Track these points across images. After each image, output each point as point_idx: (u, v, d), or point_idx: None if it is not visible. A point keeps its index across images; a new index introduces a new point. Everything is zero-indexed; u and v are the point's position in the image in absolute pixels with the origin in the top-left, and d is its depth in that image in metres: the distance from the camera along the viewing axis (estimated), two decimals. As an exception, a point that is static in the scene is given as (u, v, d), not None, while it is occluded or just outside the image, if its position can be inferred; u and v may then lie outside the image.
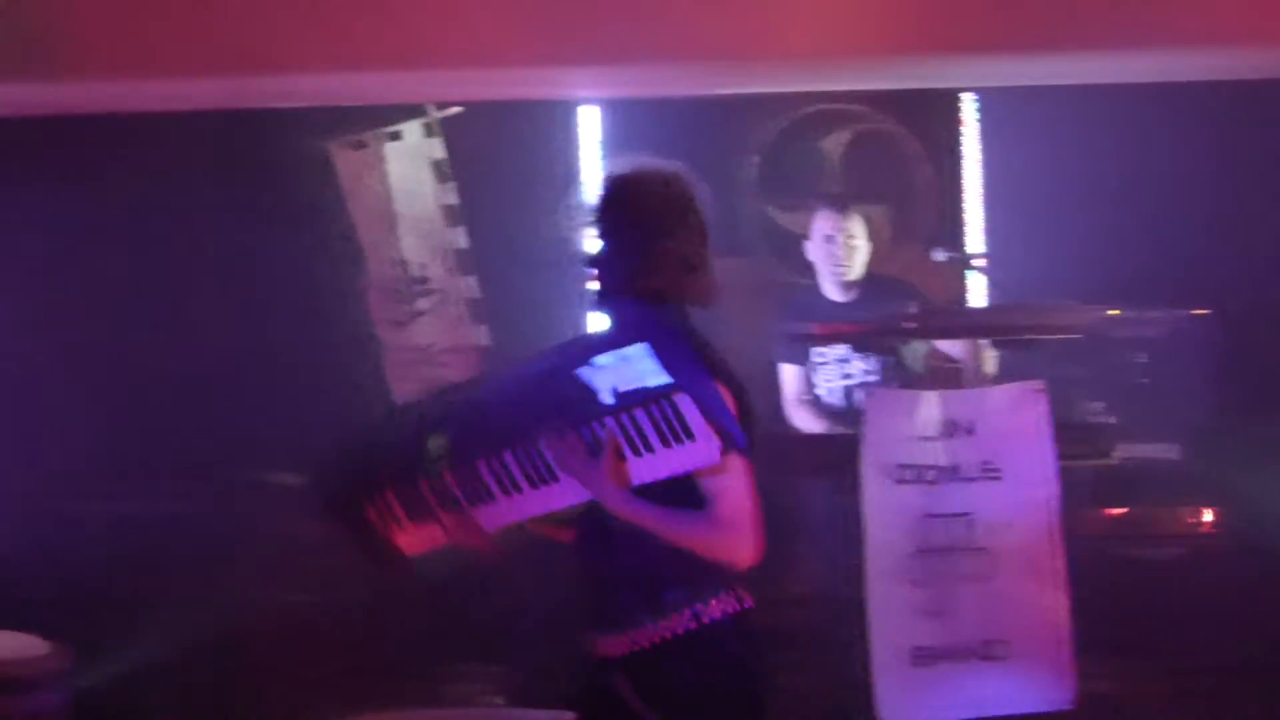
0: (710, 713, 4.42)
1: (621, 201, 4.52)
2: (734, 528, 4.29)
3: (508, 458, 4.42)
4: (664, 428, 4.18)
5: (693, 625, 4.38)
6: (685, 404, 4.16)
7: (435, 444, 4.48)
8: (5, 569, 7.73)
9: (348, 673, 7.98)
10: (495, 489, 4.44)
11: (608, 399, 4.28)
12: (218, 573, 8.17)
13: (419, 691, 7.90)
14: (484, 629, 8.25)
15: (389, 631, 8.17)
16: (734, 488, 4.28)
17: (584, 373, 4.33)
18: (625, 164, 4.63)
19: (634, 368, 4.24)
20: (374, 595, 8.14)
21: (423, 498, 4.54)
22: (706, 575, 4.37)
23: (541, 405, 4.42)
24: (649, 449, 4.22)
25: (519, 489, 4.42)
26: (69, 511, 8.00)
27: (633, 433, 4.23)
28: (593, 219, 4.54)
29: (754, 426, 4.37)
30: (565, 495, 4.39)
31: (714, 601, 4.39)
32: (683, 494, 4.29)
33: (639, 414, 4.21)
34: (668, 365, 4.22)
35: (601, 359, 4.31)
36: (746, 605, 4.44)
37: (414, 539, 4.62)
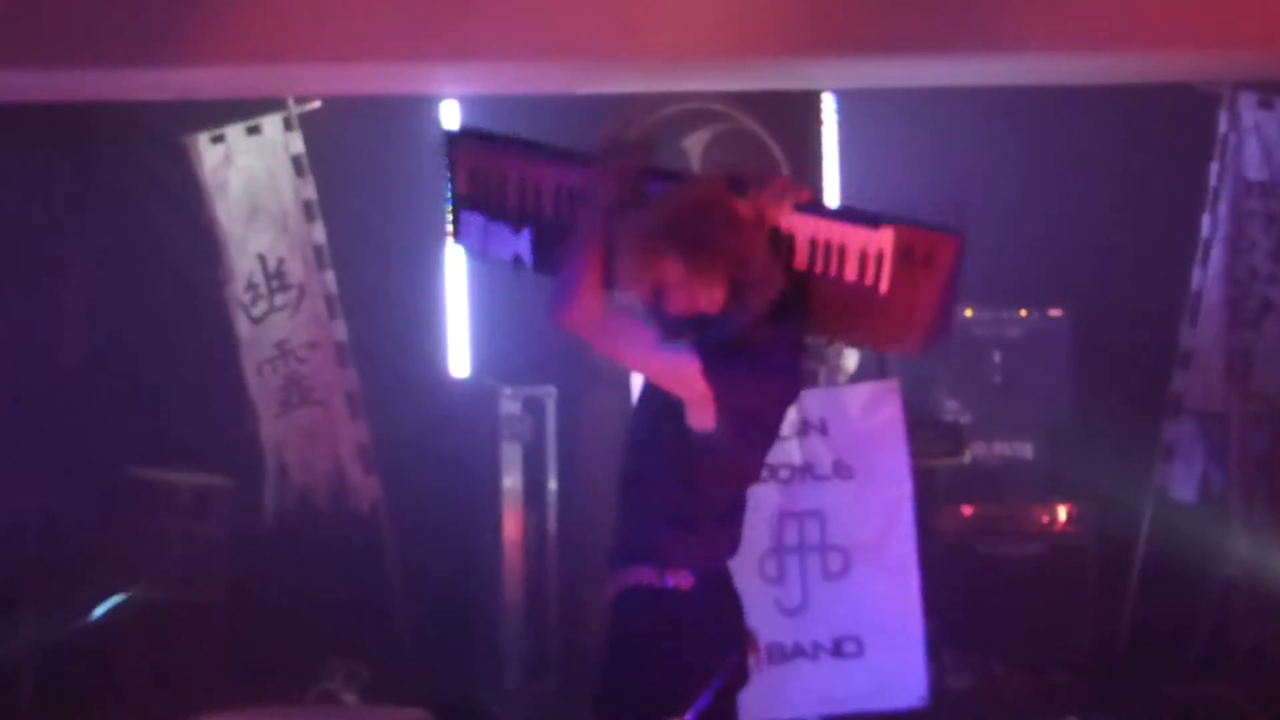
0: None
1: None
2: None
3: None
4: None
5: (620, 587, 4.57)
6: None
7: None
8: None
9: (207, 670, 7.92)
10: None
11: None
12: (76, 569, 8.09)
13: (280, 688, 7.85)
14: (345, 627, 8.23)
15: (251, 629, 8.14)
16: None
17: None
18: None
19: None
20: (235, 593, 8.12)
21: None
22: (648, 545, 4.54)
23: None
24: None
25: None
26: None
27: None
28: None
29: None
30: None
31: (635, 569, 4.54)
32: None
33: None
34: None
35: None
36: (668, 584, 4.53)
37: None
